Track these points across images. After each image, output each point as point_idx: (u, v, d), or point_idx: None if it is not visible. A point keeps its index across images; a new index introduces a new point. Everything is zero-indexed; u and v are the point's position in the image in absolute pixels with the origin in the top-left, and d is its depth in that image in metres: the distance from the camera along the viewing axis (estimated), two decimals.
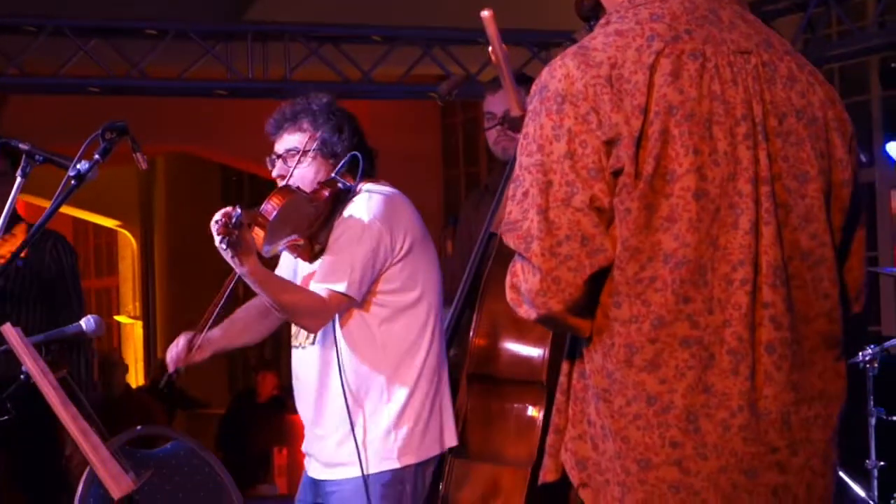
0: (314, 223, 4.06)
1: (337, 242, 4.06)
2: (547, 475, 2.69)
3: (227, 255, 3.81)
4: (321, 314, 4.03)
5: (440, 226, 7.07)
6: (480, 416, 4.43)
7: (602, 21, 2.65)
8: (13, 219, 5.35)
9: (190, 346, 4.15)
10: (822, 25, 8.20)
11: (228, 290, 4.11)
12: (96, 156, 3.79)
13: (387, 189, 4.18)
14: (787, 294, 2.52)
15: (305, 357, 4.21)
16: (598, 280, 2.52)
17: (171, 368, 4.17)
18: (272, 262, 4.21)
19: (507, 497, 4.30)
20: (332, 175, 4.13)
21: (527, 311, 2.55)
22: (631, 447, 2.51)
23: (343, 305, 4.05)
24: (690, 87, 2.52)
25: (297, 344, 4.24)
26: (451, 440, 4.21)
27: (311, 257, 4.11)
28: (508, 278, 2.57)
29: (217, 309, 4.13)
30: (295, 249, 4.11)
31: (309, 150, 4.15)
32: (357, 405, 4.09)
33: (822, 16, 8.07)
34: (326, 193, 4.07)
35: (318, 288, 4.03)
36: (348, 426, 4.07)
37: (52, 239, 6.00)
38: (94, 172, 3.81)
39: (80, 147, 3.82)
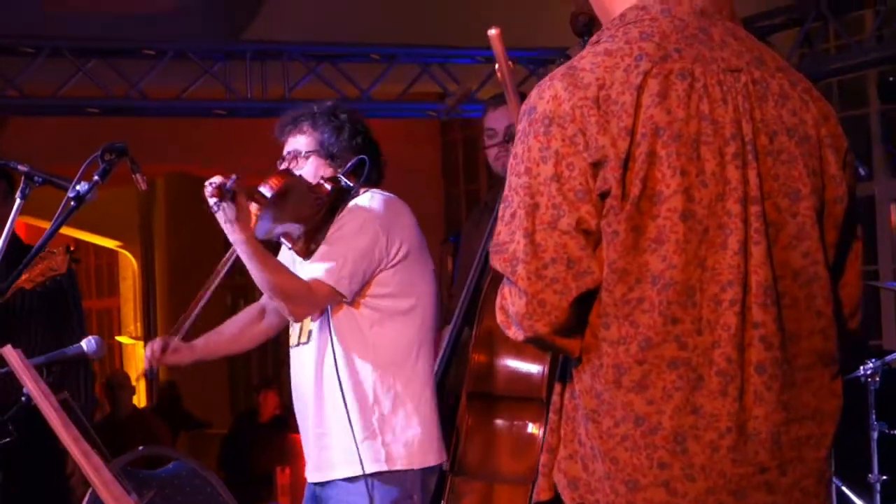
0: (314, 216, 4.08)
1: (332, 236, 4.10)
2: (540, 494, 2.68)
3: (220, 219, 3.87)
4: (305, 301, 4.05)
5: (440, 243, 7.07)
6: (480, 433, 4.43)
7: (593, 39, 2.64)
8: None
9: (165, 347, 4.22)
10: (819, 40, 8.21)
11: (209, 294, 4.15)
12: (95, 177, 3.80)
13: (389, 195, 4.22)
14: (778, 314, 2.51)
15: (301, 356, 4.24)
16: (586, 301, 2.51)
17: (145, 366, 4.28)
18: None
19: None
20: (338, 175, 4.16)
21: (515, 333, 2.54)
22: (619, 468, 2.51)
23: (329, 298, 4.07)
24: (678, 108, 2.50)
25: (294, 343, 4.26)
26: (442, 456, 4.22)
27: (308, 254, 4.13)
28: (498, 300, 2.57)
29: (195, 312, 4.18)
30: (291, 240, 4.13)
31: (305, 151, 4.21)
32: (349, 405, 4.10)
33: (819, 30, 8.08)
34: (328, 187, 4.10)
35: (306, 276, 4.05)
36: (343, 425, 4.08)
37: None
38: (94, 193, 3.81)
39: (80, 168, 3.82)
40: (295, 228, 4.09)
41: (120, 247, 17.23)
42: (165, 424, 11.93)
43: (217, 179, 3.84)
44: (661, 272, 2.47)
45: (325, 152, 4.22)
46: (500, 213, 2.56)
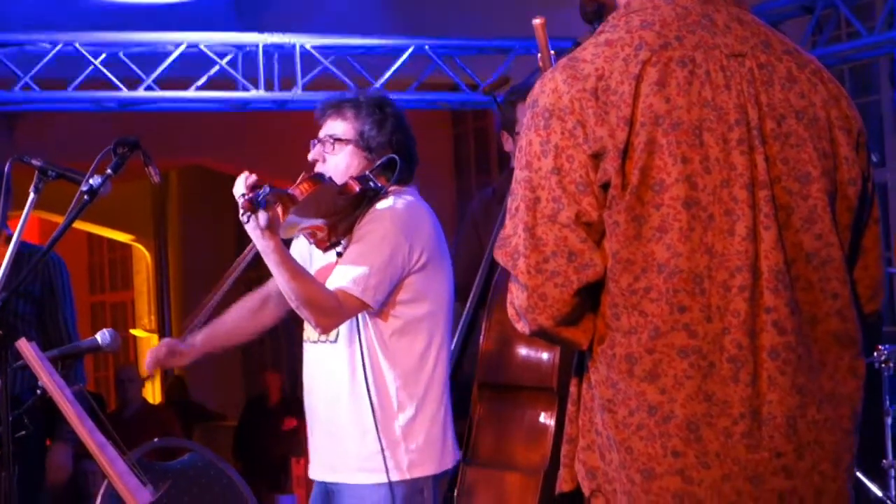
0: (338, 213, 4.04)
1: (357, 247, 4.04)
2: (562, 485, 2.70)
3: (250, 227, 3.77)
4: (333, 313, 3.97)
5: (452, 234, 7.09)
6: (492, 423, 4.44)
7: (599, 29, 2.64)
8: None
9: (171, 351, 4.21)
10: (830, 27, 8.21)
11: (220, 294, 4.11)
12: (108, 170, 3.81)
13: (412, 199, 4.17)
14: (791, 297, 2.51)
15: (322, 353, 4.19)
16: (592, 292, 2.52)
17: (146, 372, 4.24)
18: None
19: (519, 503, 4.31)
20: (367, 173, 4.12)
21: (522, 327, 2.57)
22: (634, 457, 2.52)
23: (356, 309, 4.02)
24: (678, 96, 2.51)
25: (313, 338, 4.20)
26: (456, 456, 4.20)
27: (326, 247, 4.09)
28: (508, 295, 2.59)
29: (204, 314, 4.14)
30: (313, 236, 4.08)
31: (342, 138, 4.16)
32: (377, 412, 4.07)
33: (830, 17, 8.07)
34: (357, 189, 4.06)
35: (332, 286, 4.01)
36: (367, 430, 4.06)
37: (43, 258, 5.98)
38: (107, 187, 3.82)
39: (93, 162, 3.83)
40: (318, 223, 4.05)
41: (133, 240, 17.28)
42: (176, 418, 11.92)
43: (248, 191, 3.73)
44: (667, 261, 2.48)
45: (364, 144, 4.15)
46: (508, 206, 2.58)
